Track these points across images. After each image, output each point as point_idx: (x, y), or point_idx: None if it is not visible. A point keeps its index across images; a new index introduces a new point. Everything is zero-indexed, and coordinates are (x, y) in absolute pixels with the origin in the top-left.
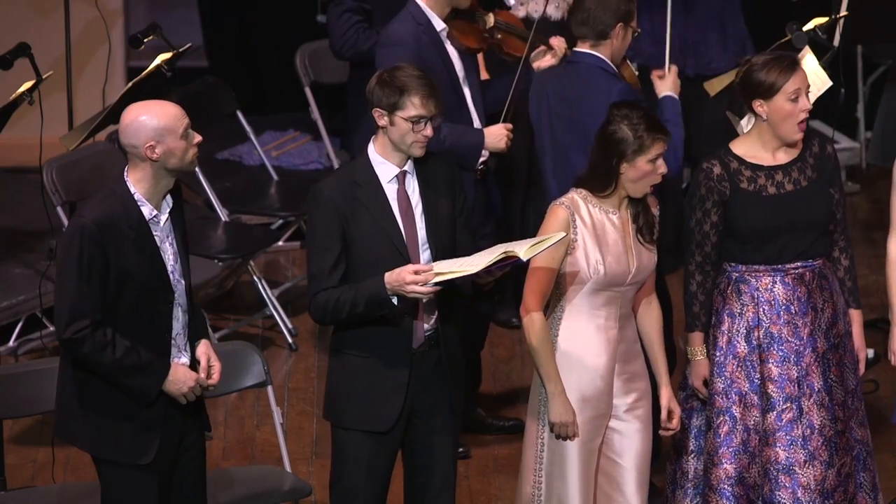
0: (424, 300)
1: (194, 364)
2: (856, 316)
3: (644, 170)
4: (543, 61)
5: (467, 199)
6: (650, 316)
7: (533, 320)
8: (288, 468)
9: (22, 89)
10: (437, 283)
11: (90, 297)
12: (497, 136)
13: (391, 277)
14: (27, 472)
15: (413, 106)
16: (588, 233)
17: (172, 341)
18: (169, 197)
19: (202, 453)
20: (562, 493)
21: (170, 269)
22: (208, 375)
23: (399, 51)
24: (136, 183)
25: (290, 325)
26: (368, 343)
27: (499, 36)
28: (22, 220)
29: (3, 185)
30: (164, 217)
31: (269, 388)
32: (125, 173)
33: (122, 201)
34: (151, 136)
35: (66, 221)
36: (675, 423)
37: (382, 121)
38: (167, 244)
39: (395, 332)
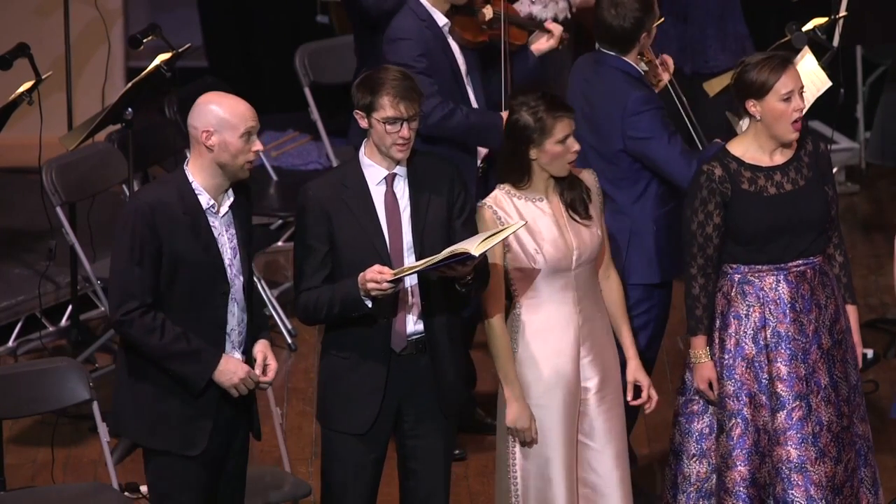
0: (389, 294)
1: (250, 363)
2: (851, 312)
3: (554, 152)
4: (541, 44)
5: (470, 200)
6: (610, 288)
7: (490, 325)
8: (287, 468)
9: (21, 89)
10: (392, 281)
11: (141, 279)
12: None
13: (360, 278)
14: (27, 472)
15: (383, 107)
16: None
17: (227, 336)
18: (231, 191)
19: (246, 460)
20: (540, 484)
21: (227, 262)
22: (263, 373)
23: (406, 45)
24: (195, 172)
25: (289, 326)
26: (349, 344)
27: (496, 28)
28: (22, 220)
29: (3, 185)
30: (223, 209)
31: (269, 389)
32: (186, 162)
33: (178, 187)
34: (212, 124)
35: (66, 221)
36: (646, 394)
37: (363, 122)
38: (225, 237)
39: (374, 333)
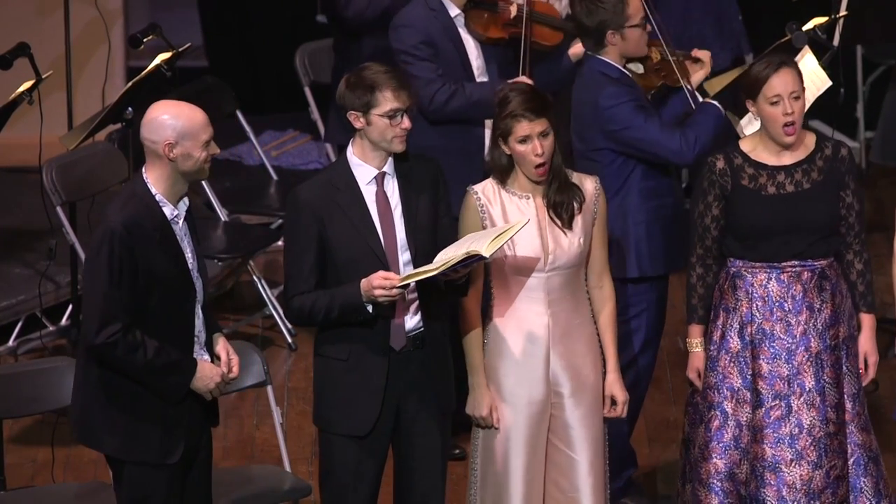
0: (396, 301)
1: (214, 360)
2: (867, 320)
3: (516, 151)
4: (577, 48)
5: (450, 203)
6: (599, 300)
7: (465, 312)
8: (288, 468)
9: (22, 89)
10: (401, 287)
11: (120, 301)
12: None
13: (365, 285)
14: (27, 471)
15: (386, 100)
16: (497, 217)
17: (195, 339)
18: (186, 198)
19: (211, 452)
20: (497, 480)
21: (191, 267)
22: (229, 370)
23: (408, 33)
24: (155, 183)
25: (289, 325)
26: (347, 345)
27: (520, 25)
28: (22, 220)
29: (3, 185)
30: (182, 217)
31: (269, 388)
32: (143, 173)
33: (144, 203)
34: (171, 136)
35: (66, 221)
36: (619, 409)
37: (359, 123)
38: (185, 243)
39: (372, 334)
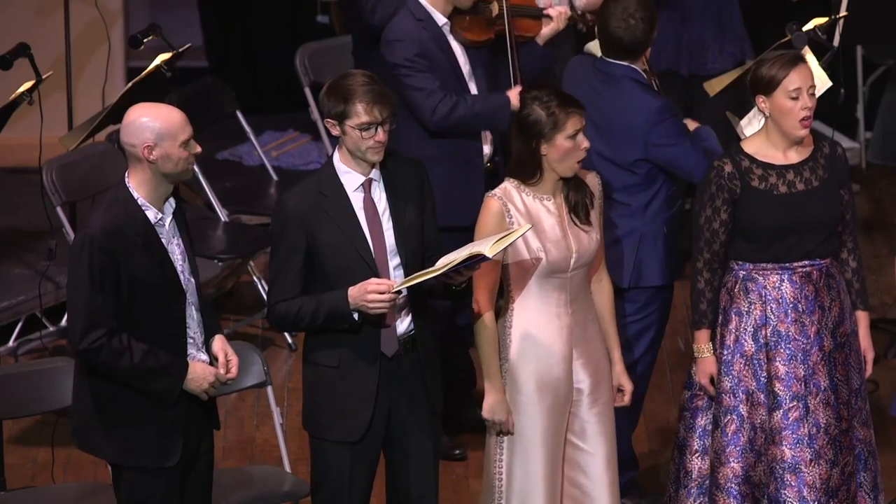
0: (389, 309)
1: (212, 361)
2: (863, 318)
3: (565, 147)
4: (543, 30)
5: (435, 204)
6: (601, 292)
7: (480, 317)
8: (288, 468)
9: (22, 89)
10: (399, 291)
11: (103, 306)
12: (518, 96)
13: (354, 292)
14: (27, 472)
15: (357, 114)
16: (524, 221)
17: (190, 340)
18: (172, 199)
19: (212, 455)
20: (524, 482)
21: (179, 269)
22: (227, 370)
23: (402, 46)
24: (138, 187)
25: None
26: (337, 352)
27: (503, 21)
28: (22, 220)
29: (3, 185)
30: (168, 219)
31: (269, 389)
32: (126, 178)
33: (126, 208)
34: (150, 138)
35: (66, 221)
36: (626, 398)
37: (335, 130)
38: (174, 245)
39: (363, 341)
